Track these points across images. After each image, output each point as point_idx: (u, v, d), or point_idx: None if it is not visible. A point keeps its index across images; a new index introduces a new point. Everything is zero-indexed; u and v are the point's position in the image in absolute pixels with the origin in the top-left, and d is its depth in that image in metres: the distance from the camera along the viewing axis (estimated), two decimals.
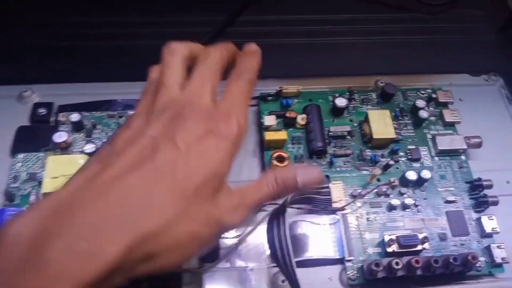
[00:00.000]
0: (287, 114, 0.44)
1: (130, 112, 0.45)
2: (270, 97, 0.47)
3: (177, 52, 0.29)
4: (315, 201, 0.41)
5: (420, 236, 0.39)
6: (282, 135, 0.43)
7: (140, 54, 0.50)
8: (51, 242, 0.21)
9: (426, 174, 0.41)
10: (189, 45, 0.30)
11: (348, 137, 0.45)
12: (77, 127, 0.43)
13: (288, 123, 0.45)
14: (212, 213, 0.26)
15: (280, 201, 0.40)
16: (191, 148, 0.25)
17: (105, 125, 0.44)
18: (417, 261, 0.37)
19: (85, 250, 0.21)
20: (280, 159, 0.42)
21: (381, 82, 0.49)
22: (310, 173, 0.31)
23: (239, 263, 0.38)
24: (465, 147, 0.44)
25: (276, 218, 0.37)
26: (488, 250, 0.40)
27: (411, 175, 0.41)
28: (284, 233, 0.35)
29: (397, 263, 0.37)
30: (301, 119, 0.45)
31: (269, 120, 0.44)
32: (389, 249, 0.38)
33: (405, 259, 0.38)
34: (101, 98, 0.46)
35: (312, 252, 0.39)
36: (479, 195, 0.42)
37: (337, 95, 0.47)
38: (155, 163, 0.24)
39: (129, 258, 0.22)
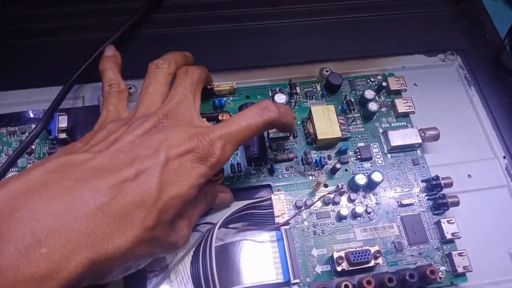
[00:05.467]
0: (220, 117, 0.38)
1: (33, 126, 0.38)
2: (201, 97, 0.40)
3: (163, 69, 0.31)
4: (255, 217, 0.36)
5: (373, 250, 0.34)
6: None
7: (45, 54, 0.43)
8: (1, 246, 0.18)
9: (377, 176, 0.37)
10: (173, 61, 0.32)
11: (291, 138, 0.40)
12: None
13: None
14: (171, 238, 0.26)
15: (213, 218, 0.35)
16: (170, 160, 0.24)
17: (5, 144, 0.37)
18: (368, 282, 0.32)
19: (46, 259, 0.18)
20: None
21: (327, 71, 0.44)
22: (226, 197, 0.35)
23: None
24: (420, 141, 0.39)
25: (203, 248, 0.32)
26: (449, 258, 0.36)
27: (360, 179, 0.37)
28: (211, 266, 0.30)
29: (346, 286, 0.32)
30: None
31: None
32: (339, 268, 0.33)
33: (356, 278, 0.34)
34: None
35: (253, 277, 0.34)
36: (438, 196, 0.37)
37: (276, 90, 0.42)
38: (131, 168, 0.23)
39: (87, 274, 0.20)
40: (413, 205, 0.38)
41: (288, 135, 0.38)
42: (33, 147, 0.37)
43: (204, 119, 0.32)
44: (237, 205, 0.35)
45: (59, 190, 0.21)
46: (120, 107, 0.31)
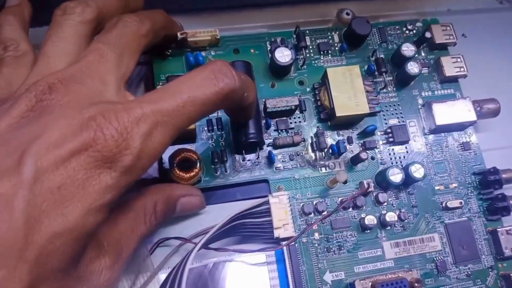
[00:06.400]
0: None
1: None
2: (169, 51, 0.28)
3: (73, 15, 0.21)
4: (247, 228, 0.26)
5: (409, 277, 0.25)
6: None
7: None
8: None
9: (417, 171, 0.26)
10: (95, 4, 0.21)
11: (297, 112, 0.28)
12: None
13: None
14: None
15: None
16: (43, 174, 0.15)
17: None
18: None
19: None
20: (186, 165, 0.25)
21: (347, 13, 0.32)
22: (193, 203, 0.25)
23: None
24: (474, 118, 0.28)
25: (173, 277, 0.23)
26: (506, 281, 0.27)
27: (395, 177, 0.26)
28: None
29: None
30: None
31: None
32: None
33: None
34: None
35: None
36: (495, 196, 0.28)
37: (278, 41, 0.29)
38: None
39: None
40: (461, 208, 0.28)
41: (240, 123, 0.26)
42: None
43: (131, 95, 0.20)
44: (218, 210, 0.25)
45: None
46: (16, 80, 0.20)
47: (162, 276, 0.24)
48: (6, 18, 0.22)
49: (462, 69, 0.30)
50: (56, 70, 0.18)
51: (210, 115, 0.27)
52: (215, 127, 0.27)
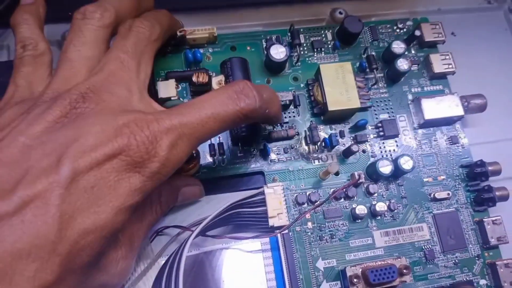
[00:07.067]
0: (195, 78, 0.28)
1: None
2: (169, 48, 0.29)
3: (93, 20, 0.21)
4: (242, 217, 0.27)
5: (398, 264, 0.26)
6: None
7: None
8: None
9: (406, 163, 0.27)
10: (113, 7, 0.22)
11: (291, 107, 0.29)
12: None
13: (197, 91, 0.29)
14: (98, 281, 0.19)
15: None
16: (79, 175, 0.16)
17: None
18: None
19: None
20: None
21: (340, 13, 0.33)
22: (193, 192, 0.26)
23: None
24: (462, 113, 0.30)
25: (170, 264, 0.24)
26: (492, 269, 0.28)
27: (385, 168, 0.27)
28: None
29: None
30: (217, 83, 0.28)
31: (166, 88, 0.28)
32: None
33: None
34: None
35: None
36: (482, 188, 0.29)
37: (273, 38, 0.31)
38: (13, 195, 0.15)
39: None
40: (449, 199, 0.29)
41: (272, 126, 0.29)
42: None
43: (153, 101, 0.21)
44: (215, 200, 0.26)
45: None
46: (36, 80, 0.21)
47: (162, 262, 0.26)
48: (22, 16, 0.23)
49: (450, 66, 0.31)
50: (82, 78, 0.19)
51: None
52: None
